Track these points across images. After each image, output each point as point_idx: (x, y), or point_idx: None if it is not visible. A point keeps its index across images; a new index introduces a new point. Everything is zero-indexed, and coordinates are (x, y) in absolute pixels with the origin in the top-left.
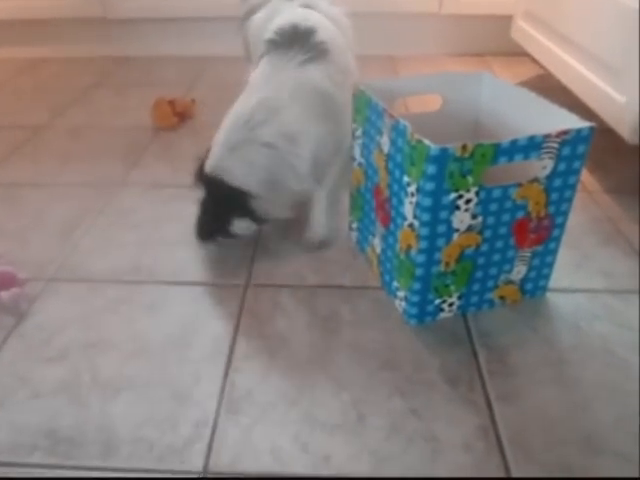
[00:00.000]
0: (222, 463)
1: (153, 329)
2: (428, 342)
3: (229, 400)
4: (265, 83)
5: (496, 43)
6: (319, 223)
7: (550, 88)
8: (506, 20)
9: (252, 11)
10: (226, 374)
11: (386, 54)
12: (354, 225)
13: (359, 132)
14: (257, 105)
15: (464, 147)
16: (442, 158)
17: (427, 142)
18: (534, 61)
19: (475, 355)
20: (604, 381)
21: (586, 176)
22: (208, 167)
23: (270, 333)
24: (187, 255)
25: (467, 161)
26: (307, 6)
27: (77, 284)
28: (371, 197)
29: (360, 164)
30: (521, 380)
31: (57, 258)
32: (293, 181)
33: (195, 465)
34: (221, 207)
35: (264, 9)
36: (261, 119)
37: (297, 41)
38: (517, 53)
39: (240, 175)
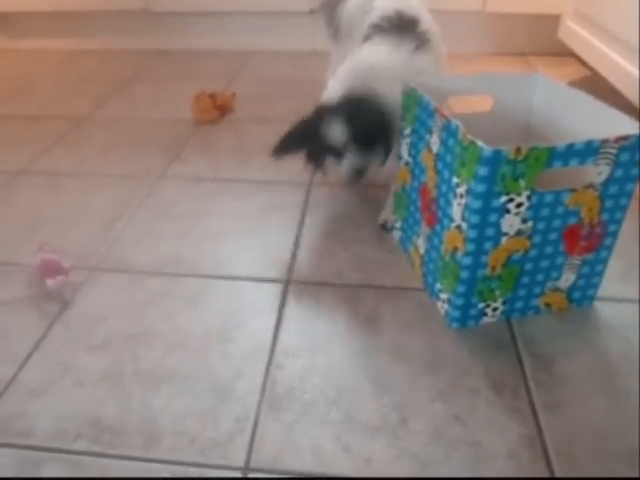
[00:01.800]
0: (264, 459)
1: (194, 322)
2: (471, 347)
3: (270, 396)
4: (375, 61)
5: (540, 43)
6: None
7: (597, 90)
8: (551, 19)
9: None
10: (267, 370)
11: None
12: (397, 224)
13: (407, 130)
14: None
15: (518, 150)
16: (495, 160)
17: (480, 143)
18: (579, 62)
19: (520, 362)
20: None
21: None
22: (349, 90)
23: (311, 331)
24: (229, 249)
25: (520, 164)
26: None
27: (119, 274)
28: (417, 197)
29: (407, 163)
30: (568, 390)
31: (99, 248)
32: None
33: (237, 460)
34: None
35: None
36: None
37: (403, 29)
38: (561, 53)
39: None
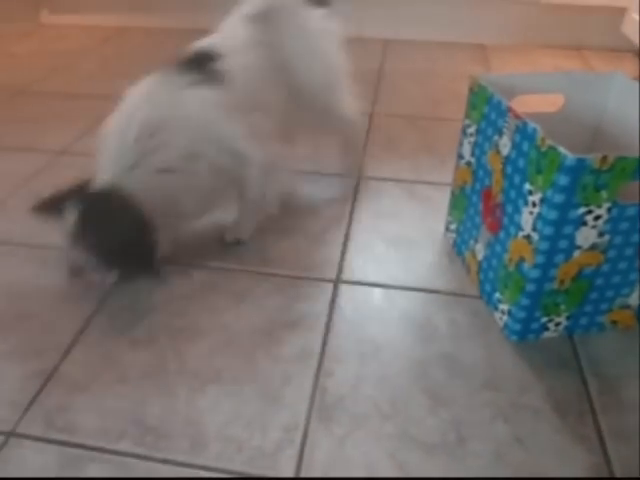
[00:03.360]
0: (314, 473)
1: (241, 320)
2: (533, 363)
3: (320, 406)
4: (146, 101)
5: (596, 37)
6: (241, 226)
7: None
8: (609, 12)
9: None
10: (317, 377)
11: (477, 42)
12: (452, 226)
13: (472, 129)
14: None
15: (604, 159)
16: (577, 169)
17: (561, 149)
18: (638, 57)
19: (585, 383)
20: None
21: None
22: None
23: (362, 336)
24: (276, 245)
25: (604, 174)
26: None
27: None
28: (478, 200)
29: (468, 163)
30: (637, 417)
31: None
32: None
33: (286, 472)
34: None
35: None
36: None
37: (194, 66)
38: (619, 49)
39: (141, 197)
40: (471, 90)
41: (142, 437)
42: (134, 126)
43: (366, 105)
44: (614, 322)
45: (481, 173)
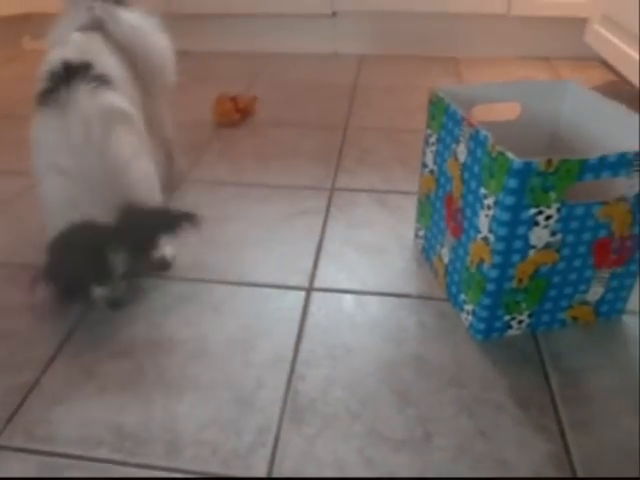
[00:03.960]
0: (285, 472)
1: (217, 330)
2: (497, 360)
3: (292, 408)
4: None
5: (564, 47)
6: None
7: (622, 94)
8: (575, 23)
9: None
10: (289, 381)
11: (449, 56)
12: (421, 233)
13: (433, 139)
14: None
15: (549, 161)
16: (524, 172)
17: (509, 154)
18: (605, 66)
19: (546, 377)
20: None
21: None
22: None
23: (333, 341)
24: (249, 255)
25: (551, 176)
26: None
27: (141, 279)
28: (442, 206)
29: (431, 171)
30: (596, 407)
31: None
32: None
33: (258, 472)
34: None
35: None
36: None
37: (75, 76)
38: (586, 58)
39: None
40: (430, 101)
41: (120, 444)
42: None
43: (340, 120)
44: (574, 318)
45: (443, 180)
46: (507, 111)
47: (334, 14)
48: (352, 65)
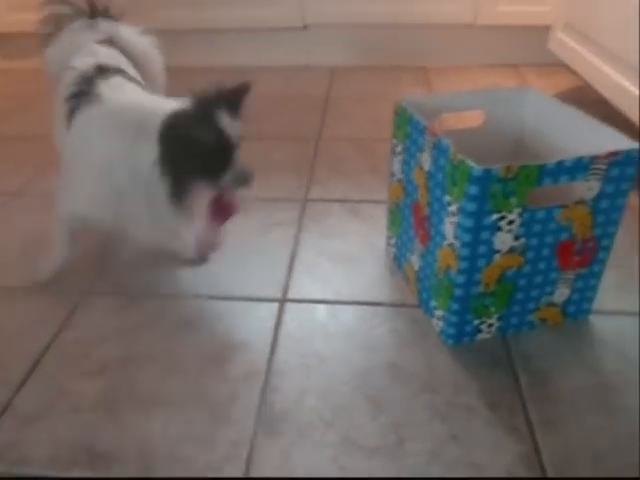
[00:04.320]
0: None
1: (190, 345)
2: (468, 364)
3: (266, 420)
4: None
5: (531, 54)
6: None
7: (588, 100)
8: (542, 30)
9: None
10: (263, 393)
11: (419, 65)
12: (392, 241)
13: (399, 148)
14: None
15: (508, 168)
16: (485, 179)
17: (469, 162)
18: (571, 72)
19: (516, 379)
20: None
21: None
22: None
23: (307, 351)
24: (222, 269)
25: (511, 182)
26: (110, 41)
27: (114, 297)
28: (410, 214)
29: (399, 180)
30: (564, 407)
31: (99, 272)
32: None
33: None
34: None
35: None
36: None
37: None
38: (553, 64)
39: None
40: (395, 112)
41: (93, 463)
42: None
43: (313, 131)
44: (543, 320)
45: (410, 188)
46: (473, 119)
47: (305, 27)
48: (324, 77)
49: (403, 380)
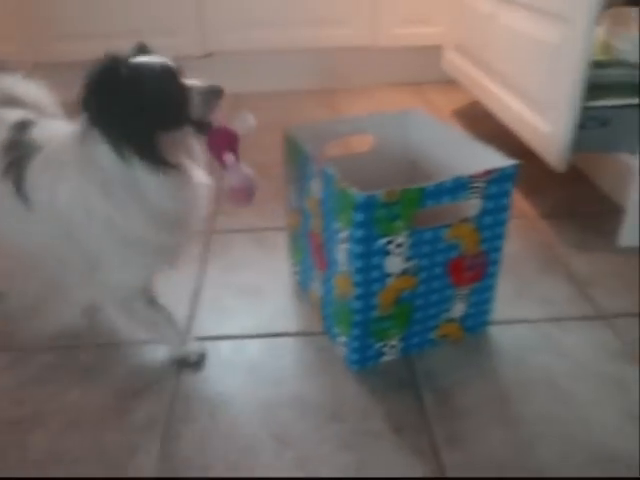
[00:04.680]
0: None
1: (88, 397)
2: (373, 388)
3: (167, 470)
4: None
5: (431, 72)
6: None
7: (485, 114)
8: (439, 49)
9: None
10: (163, 442)
11: (326, 88)
12: (296, 268)
13: (292, 176)
14: None
15: (390, 193)
16: (369, 205)
17: (352, 190)
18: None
19: (421, 399)
20: (548, 414)
21: (522, 202)
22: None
23: (211, 392)
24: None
25: (395, 206)
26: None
27: (3, 353)
28: (308, 241)
29: (295, 208)
30: (466, 422)
31: None
32: None
33: None
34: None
35: None
36: None
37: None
38: (452, 80)
39: None
40: (285, 141)
41: None
42: None
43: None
44: (444, 336)
45: (305, 216)
46: (363, 143)
47: (208, 55)
48: (228, 104)
49: (309, 412)
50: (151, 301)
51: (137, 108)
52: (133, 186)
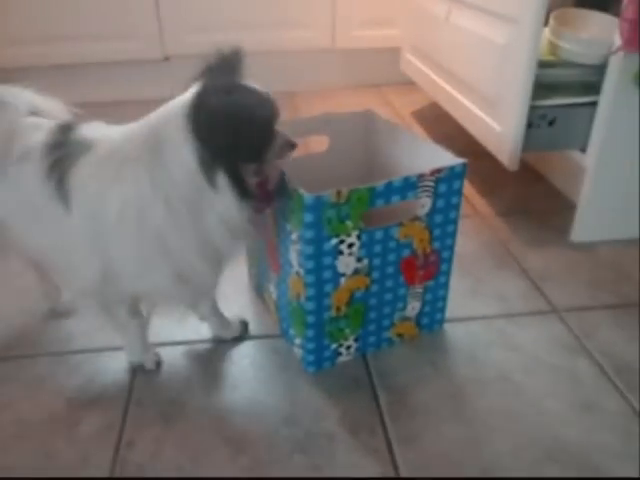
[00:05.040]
0: None
1: (38, 408)
2: (329, 390)
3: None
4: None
5: (391, 73)
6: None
7: (443, 115)
8: (398, 51)
9: None
10: (117, 450)
11: (286, 90)
12: (253, 271)
13: None
14: None
15: (339, 193)
16: (318, 206)
17: (301, 191)
18: None
19: (376, 398)
20: (500, 409)
21: (478, 200)
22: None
23: (165, 398)
24: (76, 322)
25: (344, 206)
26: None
27: None
28: (263, 244)
29: None
30: (421, 420)
31: None
32: None
33: None
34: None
35: None
36: None
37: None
38: (411, 82)
39: None
40: None
41: None
42: None
43: None
44: (400, 335)
45: None
46: (322, 144)
47: (167, 58)
48: None
49: (263, 415)
50: (135, 311)
51: (240, 138)
52: (198, 210)
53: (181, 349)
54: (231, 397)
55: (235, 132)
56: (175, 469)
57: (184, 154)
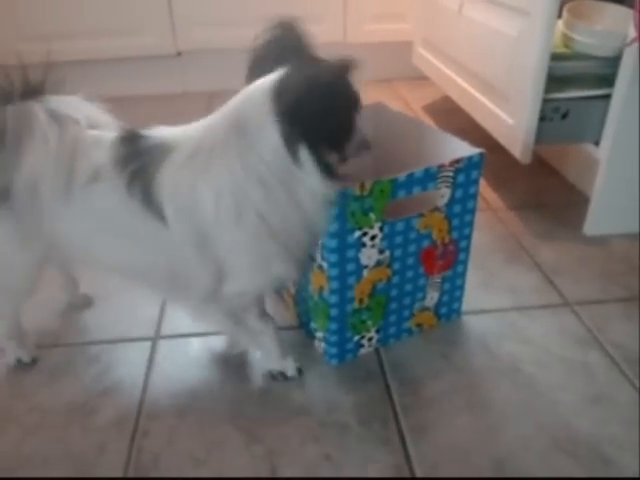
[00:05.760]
0: None
1: (56, 397)
2: (343, 381)
3: (135, 468)
4: None
5: (402, 68)
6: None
7: (455, 109)
8: (409, 45)
9: None
10: (132, 439)
11: None
12: None
13: None
14: None
15: (362, 185)
16: (342, 199)
17: None
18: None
19: (388, 390)
20: (513, 401)
21: (490, 193)
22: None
23: (179, 389)
24: (94, 313)
25: (367, 199)
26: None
27: None
28: None
29: None
30: (434, 411)
31: None
32: None
33: None
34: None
35: None
36: None
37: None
38: (422, 76)
39: None
40: None
41: None
42: None
43: None
44: (419, 325)
45: None
46: None
47: (179, 54)
48: (201, 103)
49: (277, 406)
50: (263, 313)
51: (335, 121)
52: (291, 186)
53: (196, 340)
54: (245, 388)
55: (321, 117)
56: (190, 458)
57: (270, 133)
